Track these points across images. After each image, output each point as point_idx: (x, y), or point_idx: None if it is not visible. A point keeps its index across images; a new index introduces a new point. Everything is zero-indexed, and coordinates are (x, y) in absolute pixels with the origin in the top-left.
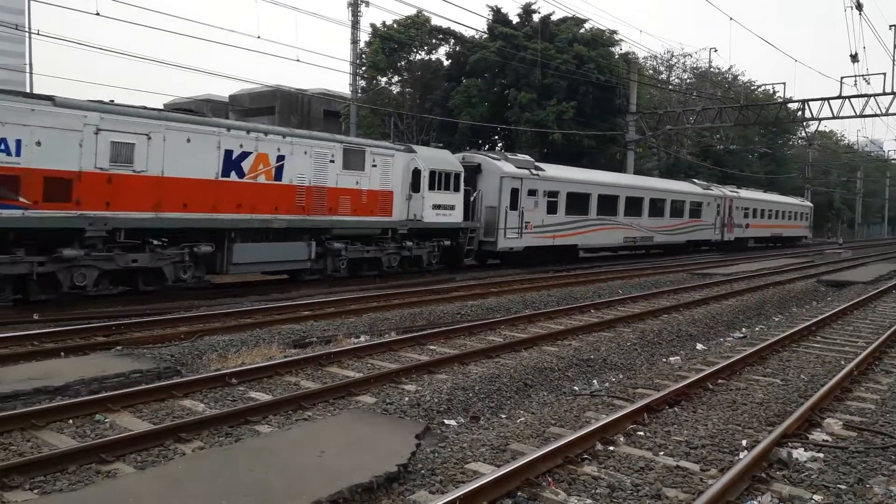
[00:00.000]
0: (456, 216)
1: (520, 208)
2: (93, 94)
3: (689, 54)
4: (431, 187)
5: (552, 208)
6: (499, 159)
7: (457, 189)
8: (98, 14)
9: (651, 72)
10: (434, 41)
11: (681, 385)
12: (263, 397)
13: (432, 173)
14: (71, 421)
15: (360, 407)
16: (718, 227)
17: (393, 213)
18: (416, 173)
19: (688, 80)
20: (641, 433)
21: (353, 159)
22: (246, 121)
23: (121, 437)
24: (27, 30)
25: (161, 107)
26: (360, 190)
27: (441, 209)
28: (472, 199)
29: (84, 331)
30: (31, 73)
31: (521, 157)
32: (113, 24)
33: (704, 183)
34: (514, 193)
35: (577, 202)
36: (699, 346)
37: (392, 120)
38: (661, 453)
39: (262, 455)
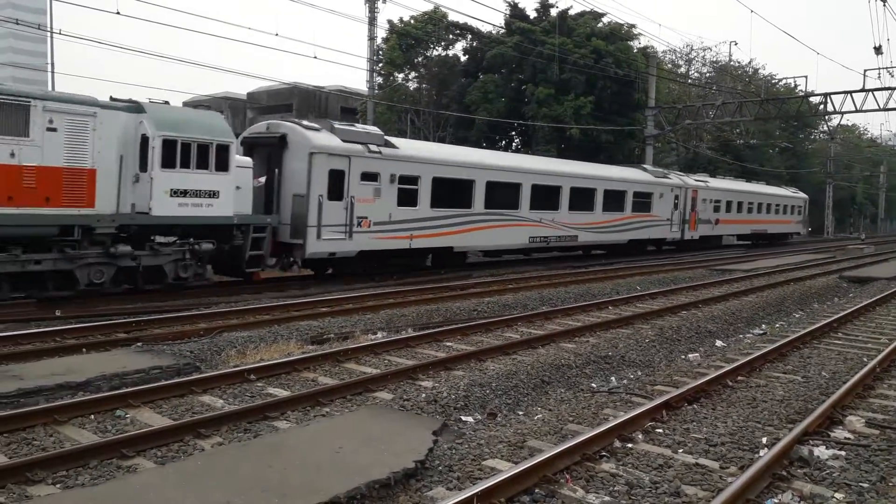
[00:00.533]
0: (221, 207)
1: (347, 198)
2: (114, 93)
3: (709, 48)
4: (169, 164)
5: (407, 198)
6: (317, 129)
7: (222, 168)
8: (118, 13)
9: (670, 66)
10: (451, 37)
11: (700, 382)
12: (282, 393)
13: (169, 143)
14: (92, 416)
15: (378, 403)
16: (677, 224)
17: (95, 201)
18: (145, 143)
19: (707, 74)
20: (660, 430)
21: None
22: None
23: (141, 433)
24: (49, 29)
25: (181, 104)
26: (21, 167)
27: (189, 197)
28: (274, 183)
29: (105, 327)
30: (52, 72)
31: (361, 128)
32: (133, 22)
33: (659, 169)
34: (337, 177)
35: (453, 191)
36: (718, 343)
37: (409, 116)
38: (680, 451)
39: (281, 451)
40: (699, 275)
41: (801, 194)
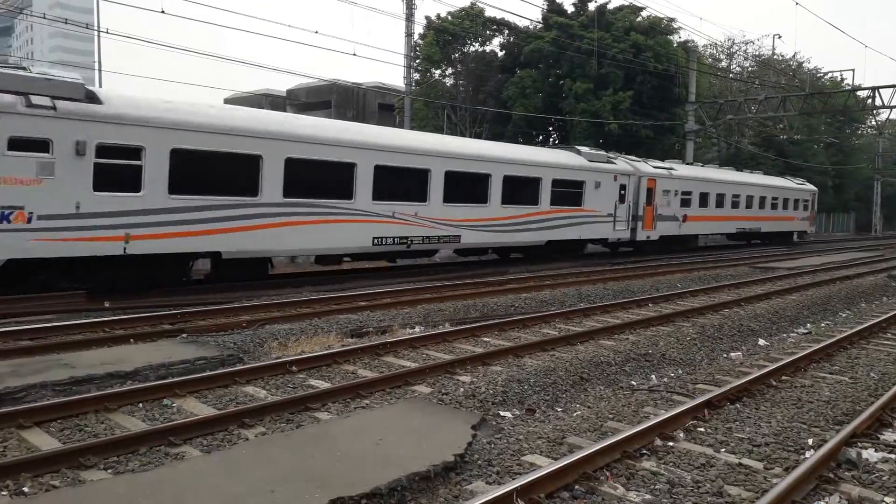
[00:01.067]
0: None
1: None
2: (159, 90)
3: (751, 41)
4: None
5: (117, 179)
6: None
7: None
8: (163, 12)
9: (711, 60)
10: (488, 32)
11: (743, 381)
12: (323, 385)
13: None
14: (140, 405)
15: (417, 396)
16: (623, 220)
17: None
18: None
19: (750, 69)
20: (702, 429)
21: None
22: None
23: (188, 422)
24: (96, 28)
25: (222, 101)
26: None
27: None
28: None
29: (151, 319)
30: (99, 70)
31: (39, 74)
32: (177, 21)
33: (598, 152)
34: None
35: (216, 170)
36: (761, 342)
37: (445, 112)
38: (723, 450)
39: (323, 441)
40: (741, 272)
41: (809, 186)
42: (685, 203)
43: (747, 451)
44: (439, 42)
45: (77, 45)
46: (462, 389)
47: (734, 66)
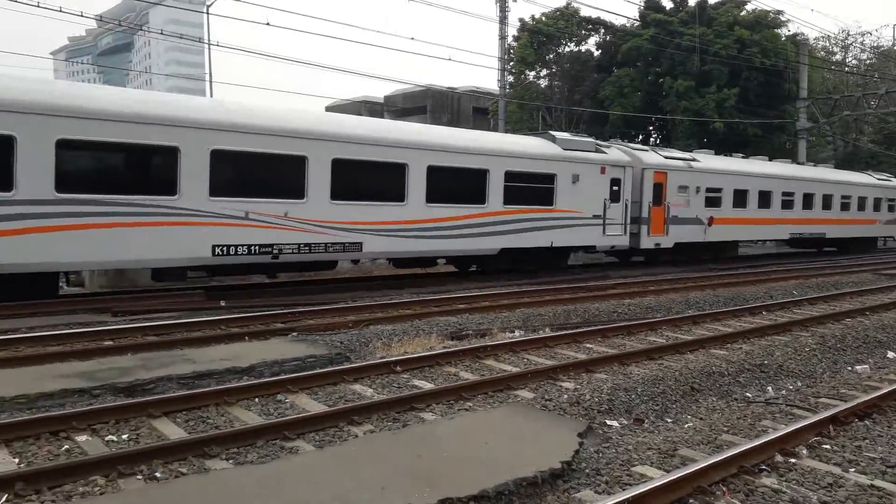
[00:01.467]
0: None
1: None
2: (263, 98)
3: (868, 32)
4: None
5: None
6: None
7: None
8: (268, 24)
9: (823, 53)
10: (583, 32)
11: (872, 396)
12: (426, 386)
13: None
14: (256, 399)
15: (519, 401)
16: (618, 223)
17: None
18: None
19: (868, 61)
20: (827, 446)
21: None
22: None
23: (301, 417)
24: (206, 41)
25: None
26: None
27: None
28: None
29: (264, 318)
30: (210, 81)
31: None
32: (281, 32)
33: (584, 139)
34: None
35: None
36: (890, 355)
37: (540, 114)
38: (852, 470)
39: (428, 441)
40: (865, 279)
41: (893, 181)
42: (712, 202)
43: (880, 473)
44: (533, 43)
45: (189, 58)
46: (566, 396)
47: (850, 58)
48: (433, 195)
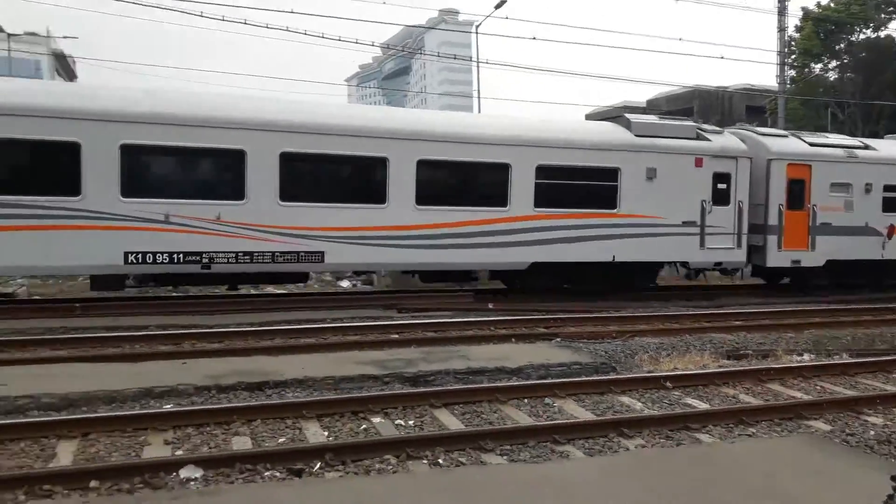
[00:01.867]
0: None
1: None
2: (528, 111)
3: None
4: None
5: None
6: None
7: None
8: (534, 38)
9: None
10: (882, 16)
11: None
12: (701, 405)
13: None
14: (525, 400)
15: (813, 433)
16: (727, 233)
17: None
18: None
19: None
20: None
21: None
22: None
23: (570, 423)
24: (475, 60)
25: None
26: None
27: None
28: None
29: (528, 322)
30: (479, 97)
31: None
32: (546, 44)
33: (667, 122)
34: None
35: None
36: None
37: (829, 110)
38: None
39: (703, 464)
40: None
41: None
42: (893, 205)
43: None
44: (819, 33)
45: (459, 77)
46: (873, 432)
47: None
48: (425, 196)
